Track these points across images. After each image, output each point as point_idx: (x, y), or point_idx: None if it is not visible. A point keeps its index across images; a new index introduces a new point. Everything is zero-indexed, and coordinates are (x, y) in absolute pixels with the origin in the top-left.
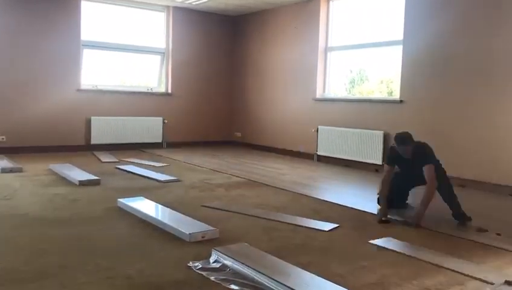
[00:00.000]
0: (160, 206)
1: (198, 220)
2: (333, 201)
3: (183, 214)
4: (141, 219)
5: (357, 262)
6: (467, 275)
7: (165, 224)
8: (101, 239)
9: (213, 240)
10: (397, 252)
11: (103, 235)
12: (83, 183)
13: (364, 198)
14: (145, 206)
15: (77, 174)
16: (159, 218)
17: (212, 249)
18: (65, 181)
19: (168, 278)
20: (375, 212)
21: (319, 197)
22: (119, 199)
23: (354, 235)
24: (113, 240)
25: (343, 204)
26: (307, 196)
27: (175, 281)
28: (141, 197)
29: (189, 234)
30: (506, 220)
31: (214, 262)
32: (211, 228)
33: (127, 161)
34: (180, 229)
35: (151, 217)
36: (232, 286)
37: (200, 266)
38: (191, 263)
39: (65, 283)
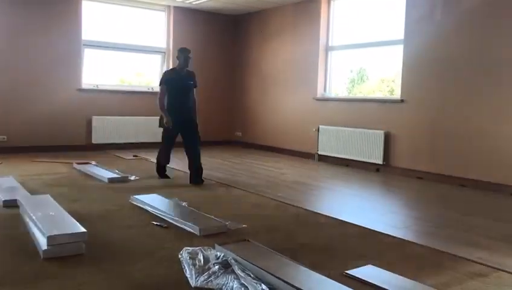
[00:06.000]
0: (167, 201)
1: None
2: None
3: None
4: (145, 216)
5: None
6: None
7: (173, 219)
8: (104, 238)
9: (220, 235)
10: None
11: (106, 234)
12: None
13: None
14: (155, 202)
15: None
16: (166, 213)
17: (215, 244)
18: (66, 181)
19: (170, 276)
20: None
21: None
22: (132, 196)
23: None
24: (118, 239)
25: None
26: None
27: (176, 279)
28: (153, 194)
29: (200, 229)
30: (507, 220)
31: (215, 262)
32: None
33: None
34: (191, 224)
35: (160, 212)
36: (235, 283)
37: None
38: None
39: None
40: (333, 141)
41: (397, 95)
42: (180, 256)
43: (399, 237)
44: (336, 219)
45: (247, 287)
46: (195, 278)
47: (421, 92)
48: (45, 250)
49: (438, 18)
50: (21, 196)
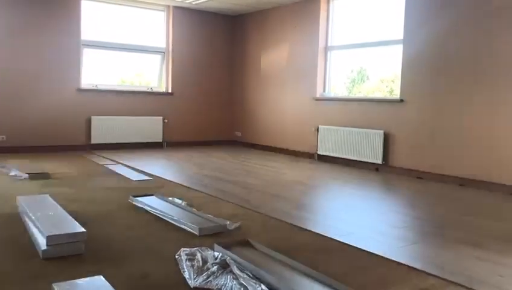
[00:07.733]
0: (167, 201)
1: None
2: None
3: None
4: (144, 217)
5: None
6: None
7: (173, 219)
8: (104, 238)
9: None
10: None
11: (106, 234)
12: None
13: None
14: (155, 202)
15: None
16: (166, 213)
17: (214, 244)
18: (65, 181)
19: (169, 277)
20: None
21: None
22: (132, 196)
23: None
24: (118, 239)
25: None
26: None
27: (176, 279)
28: (153, 195)
29: (200, 228)
30: (507, 220)
31: (213, 263)
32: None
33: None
34: (190, 224)
35: (159, 212)
36: (234, 283)
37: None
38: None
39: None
40: (332, 140)
41: (396, 95)
42: (177, 257)
43: (399, 236)
44: (334, 218)
45: (246, 287)
46: (194, 278)
47: (420, 92)
48: (44, 250)
49: (438, 19)
50: (20, 195)
